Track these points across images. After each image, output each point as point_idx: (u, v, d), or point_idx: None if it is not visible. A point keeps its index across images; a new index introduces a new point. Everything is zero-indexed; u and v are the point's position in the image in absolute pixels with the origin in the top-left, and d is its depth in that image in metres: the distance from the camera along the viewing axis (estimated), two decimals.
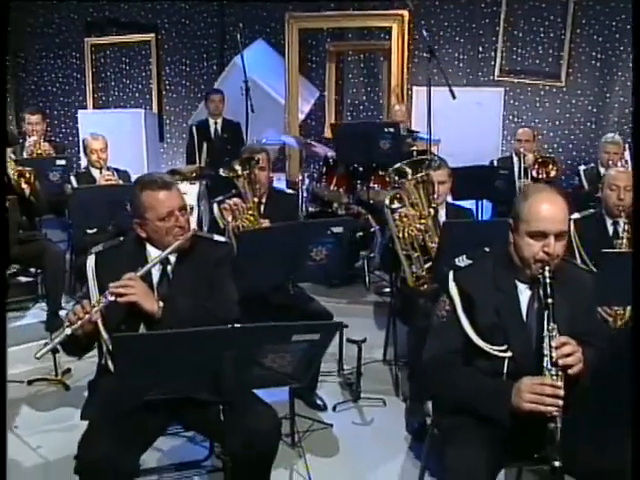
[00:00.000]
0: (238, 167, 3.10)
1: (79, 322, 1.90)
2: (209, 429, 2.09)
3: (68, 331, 1.90)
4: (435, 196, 3.25)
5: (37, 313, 4.33)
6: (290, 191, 3.99)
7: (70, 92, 8.68)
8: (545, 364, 1.70)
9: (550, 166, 4.71)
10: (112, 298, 1.96)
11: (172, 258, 2.19)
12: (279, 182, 5.92)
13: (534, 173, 4.63)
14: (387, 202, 3.09)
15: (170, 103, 8.54)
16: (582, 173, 4.98)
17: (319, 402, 3.25)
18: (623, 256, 2.61)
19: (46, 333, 3.84)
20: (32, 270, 4.50)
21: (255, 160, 3.13)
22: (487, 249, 1.96)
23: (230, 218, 3.02)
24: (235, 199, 3.11)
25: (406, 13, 6.16)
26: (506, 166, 4.93)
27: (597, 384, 1.57)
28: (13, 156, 4.17)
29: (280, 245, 2.56)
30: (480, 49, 7.61)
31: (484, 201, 4.81)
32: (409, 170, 3.10)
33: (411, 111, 6.03)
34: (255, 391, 2.06)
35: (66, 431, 2.87)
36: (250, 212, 3.05)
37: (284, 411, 2.89)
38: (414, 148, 4.61)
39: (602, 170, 4.94)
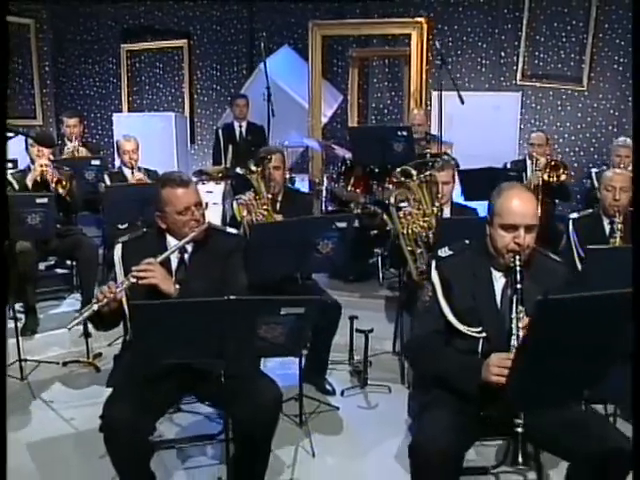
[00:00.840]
0: (253, 166, 3.36)
1: (105, 300, 2.17)
2: (218, 400, 2.34)
3: (95, 307, 2.18)
4: (439, 195, 3.45)
5: (72, 302, 4.66)
6: (305, 190, 4.21)
7: (107, 96, 9.07)
8: (512, 342, 1.90)
9: (561, 170, 4.82)
10: (134, 280, 2.23)
11: (189, 247, 2.44)
12: (302, 183, 6.17)
13: (545, 176, 4.76)
14: (392, 200, 3.31)
15: (201, 106, 8.86)
16: (594, 175, 5.09)
17: (328, 387, 3.48)
18: (608, 251, 2.78)
19: None
20: (68, 263, 4.84)
21: (268, 159, 3.39)
22: (467, 241, 2.18)
23: (245, 212, 3.27)
24: (250, 195, 3.37)
25: (424, 20, 6.35)
26: (519, 168, 5.07)
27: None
28: (52, 157, 4.49)
29: (289, 238, 2.81)
30: (502, 54, 7.73)
31: None
32: (414, 171, 3.31)
33: (430, 115, 6.21)
34: (270, 374, 2.31)
35: (96, 406, 3.09)
36: (264, 207, 3.31)
37: (294, 393, 3.14)
38: (427, 150, 4.79)
39: None
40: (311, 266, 2.92)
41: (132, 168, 4.84)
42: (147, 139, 5.47)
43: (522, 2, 7.59)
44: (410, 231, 3.24)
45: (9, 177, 4.24)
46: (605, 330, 1.44)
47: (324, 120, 6.74)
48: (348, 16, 7.42)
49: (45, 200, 3.71)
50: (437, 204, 3.38)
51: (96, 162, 4.83)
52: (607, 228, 3.43)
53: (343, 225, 2.83)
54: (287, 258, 2.82)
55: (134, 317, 1.96)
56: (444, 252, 2.15)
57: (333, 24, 6.62)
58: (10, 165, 4.45)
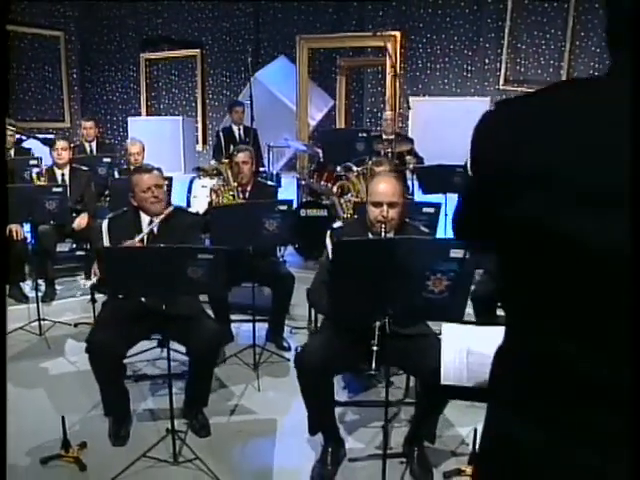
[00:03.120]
0: (225, 159, 4.13)
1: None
2: (178, 336, 3.10)
3: (94, 279, 2.98)
4: None
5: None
6: (271, 183, 4.93)
7: (127, 101, 9.96)
8: None
9: None
10: None
11: (157, 221, 3.22)
12: (292, 179, 6.93)
13: None
14: (334, 190, 4.03)
15: (213, 110, 9.68)
16: None
17: (285, 344, 4.22)
18: None
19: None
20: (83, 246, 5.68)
21: (235, 154, 4.18)
22: (356, 216, 2.90)
23: (214, 197, 4.05)
24: (219, 182, 4.15)
25: (398, 34, 7.05)
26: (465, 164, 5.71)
27: None
28: (71, 156, 5.36)
29: (242, 218, 3.56)
30: (486, 61, 8.36)
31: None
32: (355, 167, 4.03)
33: (407, 118, 6.91)
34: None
35: None
36: (231, 193, 4.08)
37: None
38: (389, 150, 5.46)
39: None
40: (260, 241, 3.66)
41: (136, 165, 5.64)
42: (158, 140, 6.30)
43: (504, 12, 8.21)
44: (348, 215, 3.96)
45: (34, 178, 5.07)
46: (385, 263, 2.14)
47: (313, 123, 7.48)
48: (344, 28, 8.19)
49: (60, 189, 4.52)
50: None
51: (107, 160, 5.66)
52: None
53: (284, 208, 3.57)
54: (240, 234, 3.56)
55: (103, 258, 2.74)
56: (337, 224, 2.88)
57: (317, 37, 7.36)
58: (34, 162, 5.26)
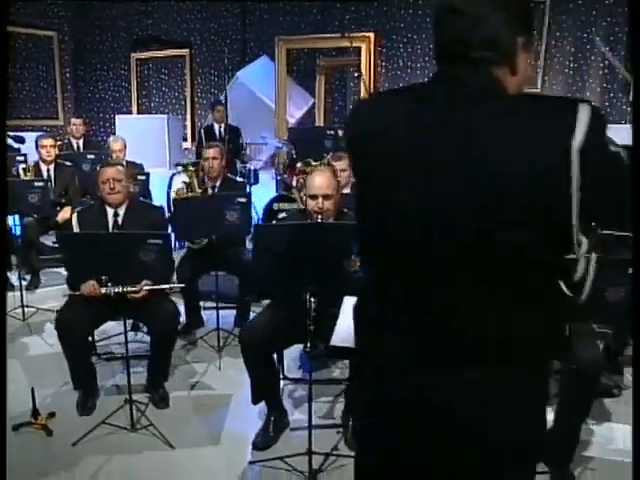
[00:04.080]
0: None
1: None
2: (140, 317, 3.40)
3: None
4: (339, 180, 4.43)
5: None
6: (240, 179, 5.21)
7: (119, 99, 10.23)
8: None
9: None
10: None
11: (121, 213, 3.52)
12: (272, 175, 7.21)
13: None
14: (294, 184, 4.31)
15: (201, 108, 9.95)
16: None
17: None
18: None
19: None
20: None
21: (206, 150, 4.48)
22: (302, 207, 3.18)
23: (185, 190, 4.35)
24: (188, 179, 4.45)
25: (372, 35, 7.30)
26: None
27: None
28: (57, 152, 5.65)
29: (204, 209, 3.85)
30: None
31: None
32: (314, 162, 4.31)
33: None
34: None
35: None
36: (202, 187, 4.39)
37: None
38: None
39: None
40: (222, 231, 3.94)
41: (119, 163, 5.94)
42: (144, 138, 6.59)
43: None
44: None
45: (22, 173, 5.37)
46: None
47: (292, 121, 7.75)
48: (328, 29, 8.45)
49: (42, 184, 4.82)
50: None
51: (91, 156, 5.95)
52: None
53: (243, 200, 3.86)
54: (202, 225, 3.86)
55: (60, 244, 3.04)
56: (281, 215, 3.17)
57: (295, 39, 7.63)
58: (21, 158, 5.57)
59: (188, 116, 9.80)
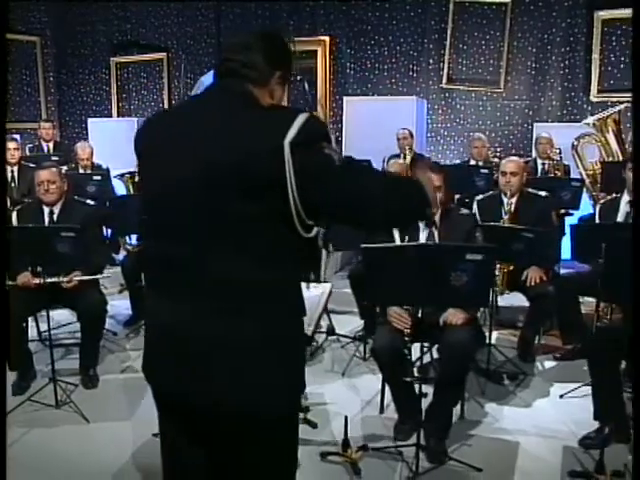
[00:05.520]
0: None
1: None
2: (71, 306, 3.70)
3: None
4: None
5: None
6: None
7: (100, 102, 10.51)
8: None
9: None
10: None
11: (56, 211, 3.82)
12: None
13: None
14: None
15: None
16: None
17: None
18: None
19: None
20: None
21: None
22: None
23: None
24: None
25: (327, 38, 7.56)
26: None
27: None
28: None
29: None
30: (430, 61, 8.82)
31: None
32: None
33: (342, 117, 7.44)
34: None
35: None
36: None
37: None
38: None
39: (539, 161, 6.37)
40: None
41: (85, 167, 6.29)
42: (116, 141, 6.86)
43: (447, 15, 8.66)
44: None
45: None
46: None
47: None
48: (301, 33, 8.69)
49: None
50: None
51: (55, 158, 6.25)
52: (507, 207, 4.04)
53: None
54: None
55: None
56: None
57: None
58: None
59: None
